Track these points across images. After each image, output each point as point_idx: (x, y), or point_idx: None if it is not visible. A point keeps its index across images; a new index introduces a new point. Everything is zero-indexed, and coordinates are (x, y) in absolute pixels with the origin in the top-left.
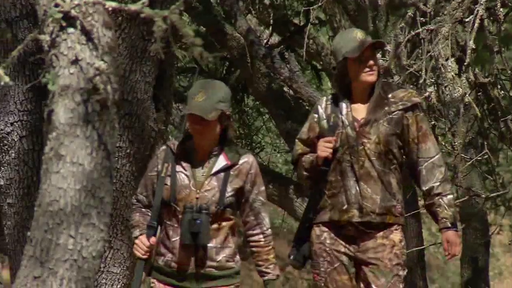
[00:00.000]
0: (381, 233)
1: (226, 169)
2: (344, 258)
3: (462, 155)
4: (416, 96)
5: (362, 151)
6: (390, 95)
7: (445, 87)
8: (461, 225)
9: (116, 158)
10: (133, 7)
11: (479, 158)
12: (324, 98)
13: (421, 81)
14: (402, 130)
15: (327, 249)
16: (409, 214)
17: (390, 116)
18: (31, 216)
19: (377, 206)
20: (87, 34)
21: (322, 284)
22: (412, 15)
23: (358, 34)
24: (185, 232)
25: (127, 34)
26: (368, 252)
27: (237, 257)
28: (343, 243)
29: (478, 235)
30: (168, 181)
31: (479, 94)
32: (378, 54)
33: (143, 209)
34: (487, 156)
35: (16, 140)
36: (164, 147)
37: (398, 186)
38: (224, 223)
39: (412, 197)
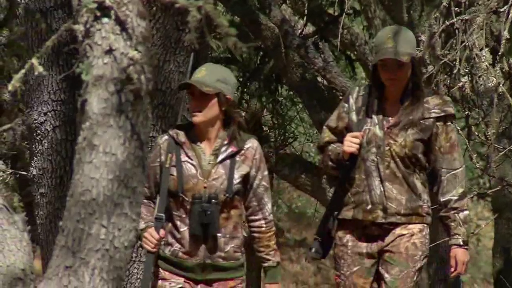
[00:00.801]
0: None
1: (232, 156)
2: (366, 261)
3: (495, 145)
4: (450, 106)
5: (388, 152)
6: (424, 100)
7: (479, 77)
8: (493, 216)
9: (149, 148)
10: None
11: None
12: (357, 89)
13: (455, 71)
14: (430, 137)
15: (349, 251)
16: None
17: (421, 122)
18: (63, 206)
19: (402, 207)
20: (121, 24)
21: (342, 286)
22: (447, 5)
23: (389, 40)
24: (195, 224)
25: (161, 24)
26: (387, 246)
27: (243, 249)
28: (365, 243)
29: (510, 225)
30: (174, 171)
31: None
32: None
33: (145, 201)
34: None
35: (49, 130)
36: (166, 136)
37: (424, 186)
38: (232, 212)
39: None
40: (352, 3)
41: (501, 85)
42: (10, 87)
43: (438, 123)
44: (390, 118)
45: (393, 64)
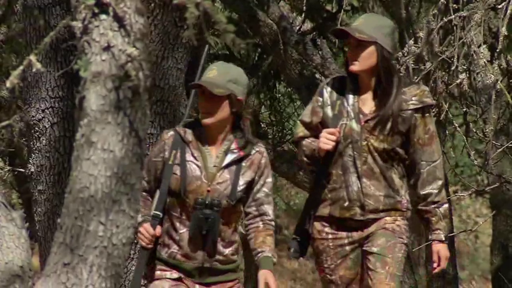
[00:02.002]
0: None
1: (238, 161)
2: (349, 252)
3: (493, 142)
4: (428, 96)
5: (365, 147)
6: (401, 91)
7: (477, 73)
8: (491, 213)
9: (148, 145)
10: None
11: (510, 145)
12: (330, 81)
13: (453, 67)
14: (409, 129)
15: (330, 244)
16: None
17: (399, 114)
18: (61, 203)
19: (380, 204)
20: (119, 20)
21: (328, 280)
22: (445, 2)
23: (359, 19)
24: (195, 229)
25: (159, 20)
26: (370, 232)
27: (240, 251)
28: (345, 234)
29: (508, 222)
30: (178, 170)
31: (511, 81)
32: (411, 40)
33: (143, 193)
34: None
35: (47, 126)
36: (172, 132)
37: (402, 181)
38: (232, 218)
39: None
40: (350, 0)
41: (499, 82)
42: (8, 84)
43: (416, 115)
44: (366, 111)
45: (354, 43)
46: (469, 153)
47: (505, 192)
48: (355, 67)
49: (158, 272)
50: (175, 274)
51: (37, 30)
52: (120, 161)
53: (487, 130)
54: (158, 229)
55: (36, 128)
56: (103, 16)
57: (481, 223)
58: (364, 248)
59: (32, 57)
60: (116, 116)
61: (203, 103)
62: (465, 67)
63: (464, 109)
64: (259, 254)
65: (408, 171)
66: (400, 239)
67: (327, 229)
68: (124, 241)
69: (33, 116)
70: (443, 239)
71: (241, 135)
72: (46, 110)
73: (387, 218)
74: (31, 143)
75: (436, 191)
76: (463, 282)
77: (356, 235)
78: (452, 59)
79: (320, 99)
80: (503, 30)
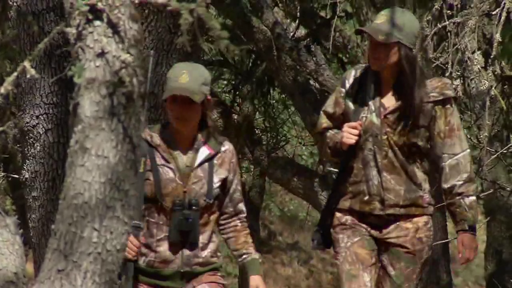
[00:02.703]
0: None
1: (210, 159)
2: (366, 235)
3: (488, 148)
4: (450, 88)
5: (386, 141)
6: (423, 84)
7: (471, 80)
8: (485, 218)
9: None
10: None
11: (504, 151)
12: (353, 72)
13: (447, 74)
14: (430, 122)
15: (348, 225)
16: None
17: (420, 107)
18: (55, 209)
19: (401, 198)
20: (113, 27)
21: (342, 259)
22: (439, 8)
23: (381, 16)
24: (175, 231)
25: (153, 27)
26: (390, 234)
27: (219, 253)
28: (365, 226)
29: (503, 228)
30: (150, 176)
31: (505, 87)
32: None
33: None
34: None
35: (41, 133)
36: None
37: (425, 175)
38: (211, 218)
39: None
40: (345, 6)
41: (493, 88)
42: (2, 90)
43: (436, 107)
44: (387, 105)
45: (374, 42)
46: None
47: (499, 198)
48: (376, 66)
49: None
50: None
51: (31, 36)
52: (114, 167)
53: (481, 136)
54: (142, 240)
55: (30, 134)
56: (97, 23)
57: None
58: (383, 258)
59: (26, 64)
60: (110, 122)
61: (178, 109)
62: (459, 73)
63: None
64: (245, 256)
65: (432, 166)
66: (420, 261)
67: (347, 217)
68: (118, 247)
69: (27, 122)
70: (467, 228)
71: (208, 133)
72: (40, 116)
73: (409, 225)
74: (25, 149)
75: (460, 182)
76: None
77: (374, 233)
78: (446, 65)
79: (343, 89)
80: (497, 36)
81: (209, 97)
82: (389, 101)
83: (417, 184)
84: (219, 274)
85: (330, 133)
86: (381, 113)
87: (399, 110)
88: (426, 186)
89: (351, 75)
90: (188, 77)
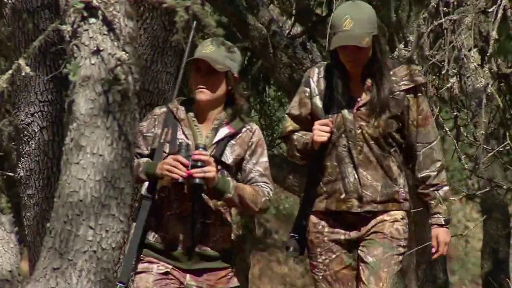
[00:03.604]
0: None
1: (228, 138)
2: (344, 249)
3: (484, 146)
4: (419, 75)
5: (360, 135)
6: (391, 73)
7: (468, 77)
8: (482, 217)
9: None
10: None
11: (501, 149)
12: (316, 70)
13: (443, 71)
14: (402, 111)
15: (325, 239)
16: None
17: (391, 97)
18: (51, 207)
19: (378, 194)
20: (108, 24)
21: (320, 277)
22: (435, 5)
23: (347, 21)
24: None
25: (148, 24)
26: (368, 231)
27: (233, 238)
28: (342, 230)
29: (499, 227)
30: (167, 148)
31: (501, 84)
32: (401, 44)
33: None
34: (509, 147)
35: (36, 130)
36: (164, 109)
37: (400, 169)
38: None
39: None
40: (340, 3)
41: (489, 85)
42: None
43: (408, 96)
44: (358, 98)
45: (353, 48)
46: (460, 157)
47: (495, 196)
48: (354, 69)
49: (145, 265)
50: (162, 267)
51: (26, 34)
52: (109, 165)
53: (477, 134)
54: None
55: (25, 132)
56: (92, 20)
57: (471, 227)
58: (359, 252)
59: (21, 61)
60: (105, 120)
61: (200, 79)
62: (455, 71)
63: (455, 113)
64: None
65: (405, 155)
66: (398, 249)
67: (323, 223)
68: (114, 245)
69: (22, 120)
70: (443, 223)
71: (233, 113)
72: (35, 114)
73: (386, 217)
74: (20, 147)
75: (434, 173)
76: (454, 287)
77: (353, 233)
78: (442, 63)
79: (307, 89)
80: (494, 34)
81: (235, 75)
82: (359, 94)
83: (392, 179)
84: (230, 270)
85: (296, 135)
86: (352, 108)
87: (371, 102)
88: (401, 181)
89: (315, 73)
90: (213, 48)
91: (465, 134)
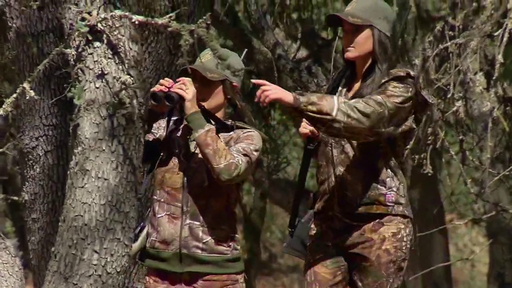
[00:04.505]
0: (370, 225)
1: (220, 130)
2: (330, 251)
3: (490, 170)
4: (401, 71)
5: None
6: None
7: (473, 101)
8: (488, 241)
9: (142, 173)
10: (160, 21)
11: (506, 173)
12: (333, 74)
13: (449, 95)
14: None
15: (316, 240)
16: (436, 229)
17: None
18: (55, 231)
19: (358, 196)
20: (113, 48)
21: (307, 282)
22: (441, 29)
23: (352, 3)
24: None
25: (153, 48)
26: (355, 247)
27: (233, 244)
28: (332, 235)
29: (505, 251)
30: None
31: (507, 108)
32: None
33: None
34: None
35: (41, 154)
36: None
37: (392, 171)
38: (212, 200)
39: (439, 211)
40: None
41: (495, 109)
42: (1, 112)
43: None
44: (349, 95)
45: (348, 29)
46: (465, 181)
47: (501, 220)
48: (351, 53)
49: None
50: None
51: (30, 58)
52: (114, 189)
53: (483, 158)
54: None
55: (30, 156)
56: (97, 44)
57: (477, 251)
58: (353, 275)
59: (26, 85)
60: (110, 144)
61: (196, 88)
62: (461, 94)
63: (460, 137)
64: None
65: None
66: (387, 274)
67: (318, 228)
68: (119, 269)
69: (26, 144)
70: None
71: (232, 120)
72: (40, 138)
73: (374, 235)
74: (25, 171)
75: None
76: None
77: (339, 239)
78: (448, 87)
79: (326, 86)
80: (499, 58)
81: (234, 84)
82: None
83: (378, 180)
84: (227, 279)
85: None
86: None
87: (353, 98)
88: (392, 184)
89: (335, 74)
90: (209, 57)
91: (471, 158)
